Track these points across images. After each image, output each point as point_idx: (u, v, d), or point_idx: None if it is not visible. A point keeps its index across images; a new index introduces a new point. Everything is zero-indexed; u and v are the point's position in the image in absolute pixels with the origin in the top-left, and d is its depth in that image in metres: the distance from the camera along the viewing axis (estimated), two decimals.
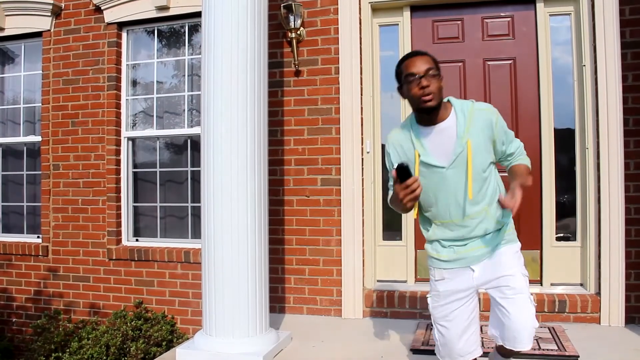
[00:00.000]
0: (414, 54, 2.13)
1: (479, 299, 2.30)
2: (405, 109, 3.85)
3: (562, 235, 3.75)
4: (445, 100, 2.14)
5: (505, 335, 2.11)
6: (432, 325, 2.89)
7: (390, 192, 2.17)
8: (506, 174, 2.20)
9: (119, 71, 4.44)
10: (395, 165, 1.90)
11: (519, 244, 2.20)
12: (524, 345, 2.08)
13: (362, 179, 3.82)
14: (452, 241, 2.17)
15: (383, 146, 4.00)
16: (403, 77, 2.09)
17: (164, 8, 4.24)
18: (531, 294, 2.10)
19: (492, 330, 2.22)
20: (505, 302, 2.06)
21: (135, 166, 4.53)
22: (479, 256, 2.14)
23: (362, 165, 3.83)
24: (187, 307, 4.16)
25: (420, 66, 2.03)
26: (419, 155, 2.10)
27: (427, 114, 2.09)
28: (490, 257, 2.13)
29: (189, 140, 4.37)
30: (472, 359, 2.22)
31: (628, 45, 3.45)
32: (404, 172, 1.88)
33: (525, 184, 2.01)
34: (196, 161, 4.28)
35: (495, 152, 2.15)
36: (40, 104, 4.65)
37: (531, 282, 3.66)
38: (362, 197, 3.81)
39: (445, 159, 2.08)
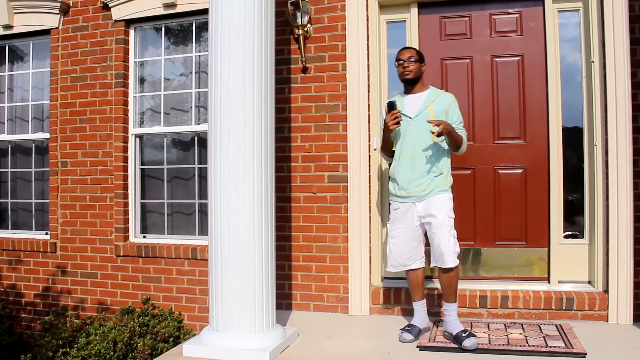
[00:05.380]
0: (403, 48, 3.29)
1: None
2: None
3: (570, 233, 3.74)
4: (427, 86, 3.26)
5: (436, 258, 3.06)
6: (439, 322, 3.08)
7: (381, 139, 3.37)
8: None
9: (126, 68, 4.46)
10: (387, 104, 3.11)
11: (450, 195, 3.13)
12: (448, 263, 3.00)
13: (369, 176, 3.82)
14: (405, 182, 3.14)
15: None
16: (395, 60, 3.22)
17: (171, 5, 4.24)
18: (454, 233, 3.05)
19: (432, 262, 3.13)
20: (433, 235, 3.05)
21: (142, 163, 4.55)
22: (422, 195, 3.09)
23: (369, 162, 3.83)
24: (194, 304, 4.18)
25: (405, 55, 3.19)
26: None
27: (408, 85, 3.22)
28: (428, 201, 3.08)
29: (196, 137, 4.38)
30: (416, 267, 3.22)
31: (638, 42, 3.42)
32: (392, 105, 3.05)
33: (451, 131, 3.04)
34: (203, 158, 4.29)
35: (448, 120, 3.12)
36: (48, 101, 4.68)
37: (539, 279, 3.72)
38: (369, 194, 3.81)
39: (412, 112, 3.15)
